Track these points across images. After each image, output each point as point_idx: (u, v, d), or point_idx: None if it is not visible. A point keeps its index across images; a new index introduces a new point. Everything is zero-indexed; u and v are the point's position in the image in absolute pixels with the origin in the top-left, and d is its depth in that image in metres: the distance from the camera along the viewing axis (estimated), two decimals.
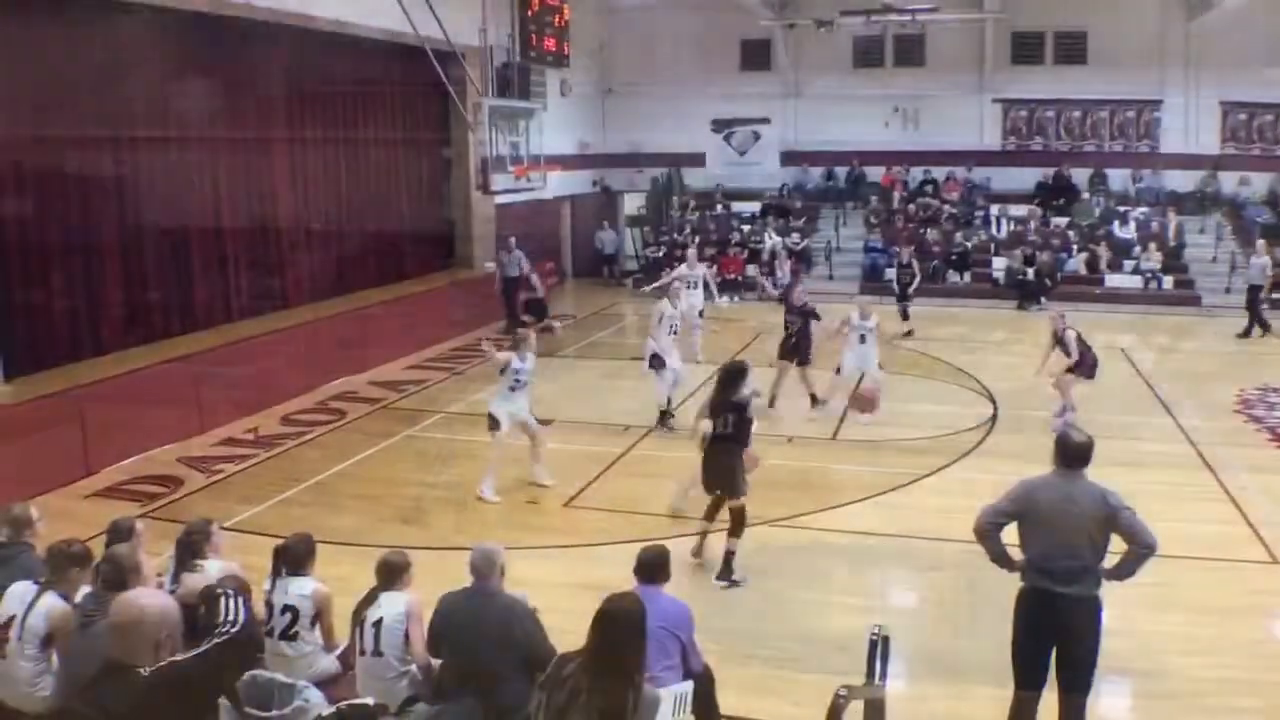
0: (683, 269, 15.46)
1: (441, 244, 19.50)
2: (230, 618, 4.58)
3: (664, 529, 8.35)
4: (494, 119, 15.85)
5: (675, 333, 11.91)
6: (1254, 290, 17.57)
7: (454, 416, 12.52)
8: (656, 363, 11.66)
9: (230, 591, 4.75)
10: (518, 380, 9.42)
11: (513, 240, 17.84)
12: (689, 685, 4.75)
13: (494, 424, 9.39)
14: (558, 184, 21.59)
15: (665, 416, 11.69)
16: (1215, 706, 6.01)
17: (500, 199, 18.66)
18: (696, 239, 21.67)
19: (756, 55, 24.21)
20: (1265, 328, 17.40)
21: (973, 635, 6.57)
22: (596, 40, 24.09)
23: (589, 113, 24.51)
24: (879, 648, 4.95)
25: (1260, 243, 18.58)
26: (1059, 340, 11.75)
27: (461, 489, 9.78)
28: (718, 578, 7.59)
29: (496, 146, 15.91)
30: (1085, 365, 11.68)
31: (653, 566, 5.03)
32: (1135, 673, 6.32)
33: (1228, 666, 6.45)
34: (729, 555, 7.60)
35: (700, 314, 15.28)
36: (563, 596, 6.01)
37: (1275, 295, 17.82)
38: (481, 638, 4.65)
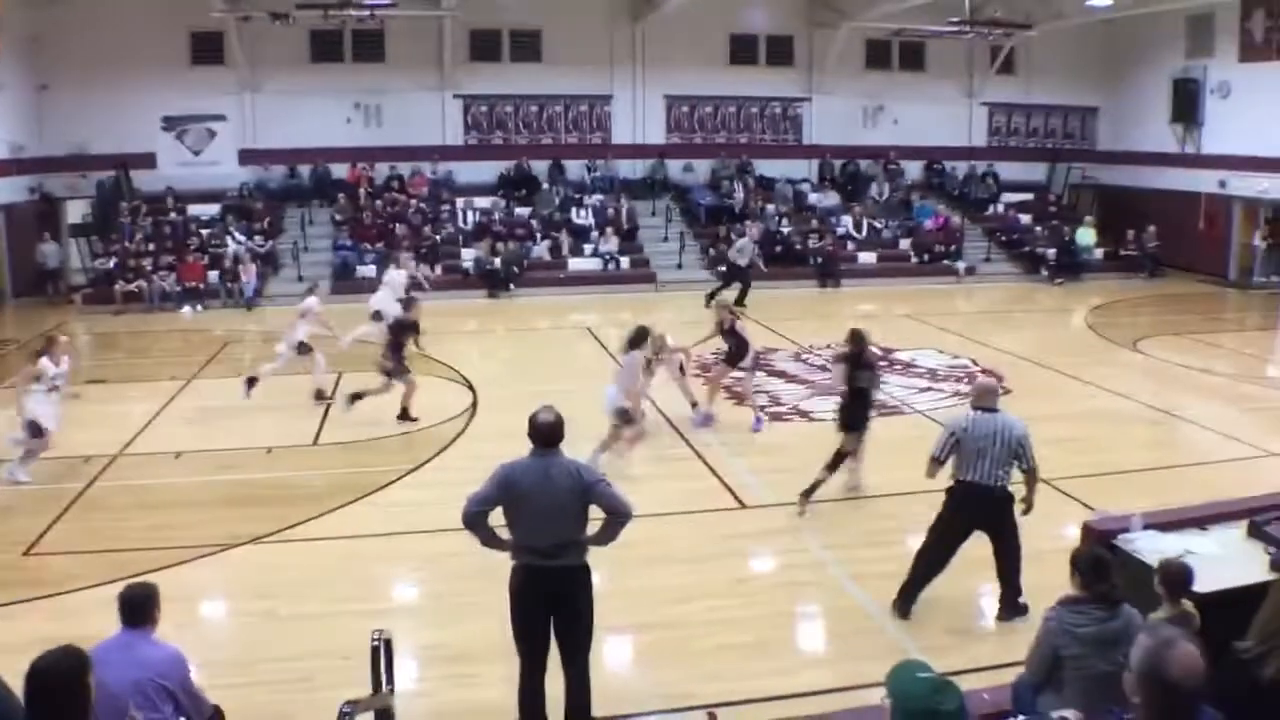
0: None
1: None
2: None
3: (147, 563, 8.67)
4: None
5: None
6: (736, 269, 23.81)
7: None
8: (304, 349, 14.90)
9: None
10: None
11: None
12: None
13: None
14: None
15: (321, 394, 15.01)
16: (712, 646, 7.72)
17: None
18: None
19: (208, 48, 26.66)
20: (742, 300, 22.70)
21: (475, 621, 7.71)
22: (28, 30, 25.10)
23: (22, 112, 25.13)
24: (381, 652, 5.64)
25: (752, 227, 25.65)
26: (728, 331, 13.91)
27: None
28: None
29: None
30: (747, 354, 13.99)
31: (136, 607, 5.14)
32: (634, 627, 7.91)
33: (718, 608, 8.31)
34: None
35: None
36: (33, 657, 6.32)
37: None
38: None
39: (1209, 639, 4.14)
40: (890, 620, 8.29)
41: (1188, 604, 5.70)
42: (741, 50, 30.08)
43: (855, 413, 10.82)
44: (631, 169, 29.62)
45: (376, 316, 17.28)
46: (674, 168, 29.74)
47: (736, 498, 11.15)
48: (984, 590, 8.79)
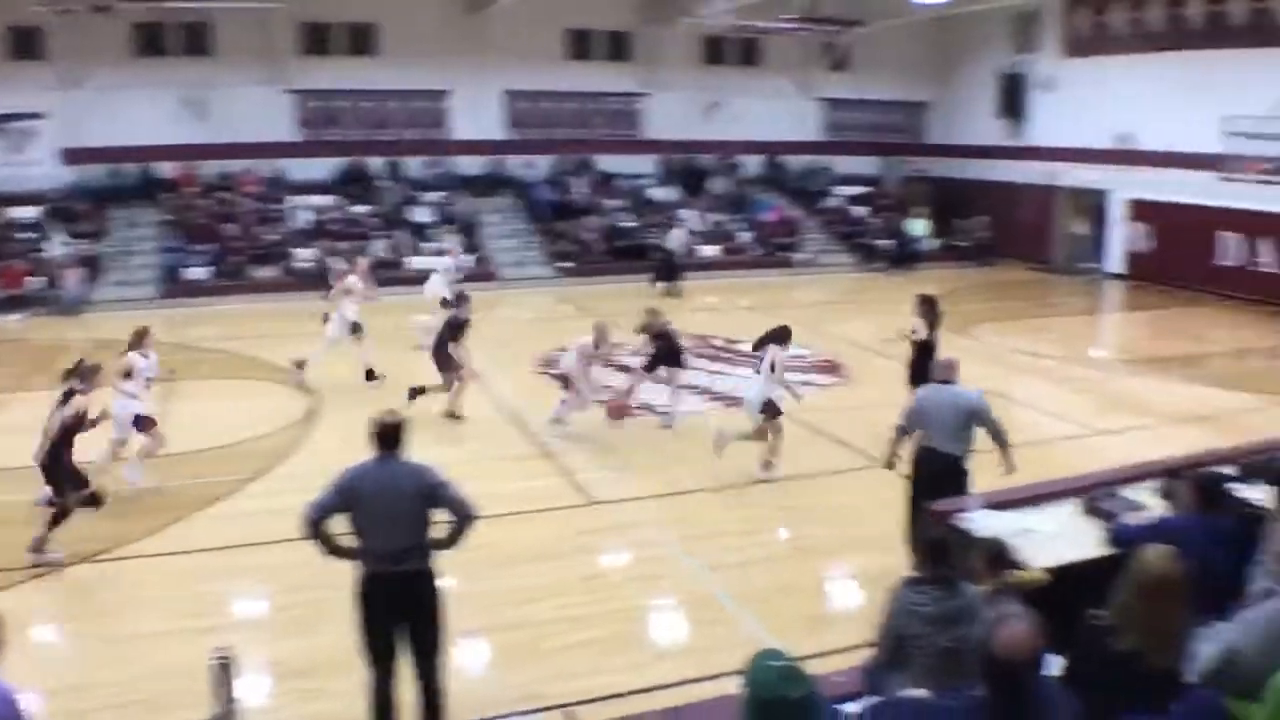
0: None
1: None
2: None
3: None
4: None
5: None
6: (668, 254, 25.43)
7: None
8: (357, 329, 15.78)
9: None
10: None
11: None
12: None
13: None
14: None
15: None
16: (565, 644, 7.73)
17: None
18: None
19: (26, 43, 25.32)
20: (677, 292, 24.57)
21: (323, 632, 7.56)
22: None
23: None
24: (223, 671, 5.49)
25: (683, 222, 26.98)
26: (657, 335, 13.74)
27: None
28: None
29: None
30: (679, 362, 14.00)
31: None
32: (485, 630, 7.89)
33: (569, 606, 8.33)
34: None
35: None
36: None
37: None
38: None
39: (1051, 611, 4.23)
40: (744, 609, 8.38)
41: (1027, 574, 5.98)
42: (580, 46, 30.11)
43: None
44: (471, 165, 29.25)
45: (445, 304, 17.41)
46: (514, 164, 29.53)
47: (584, 494, 11.14)
48: (835, 575, 9.13)
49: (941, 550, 5.32)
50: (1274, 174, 22.73)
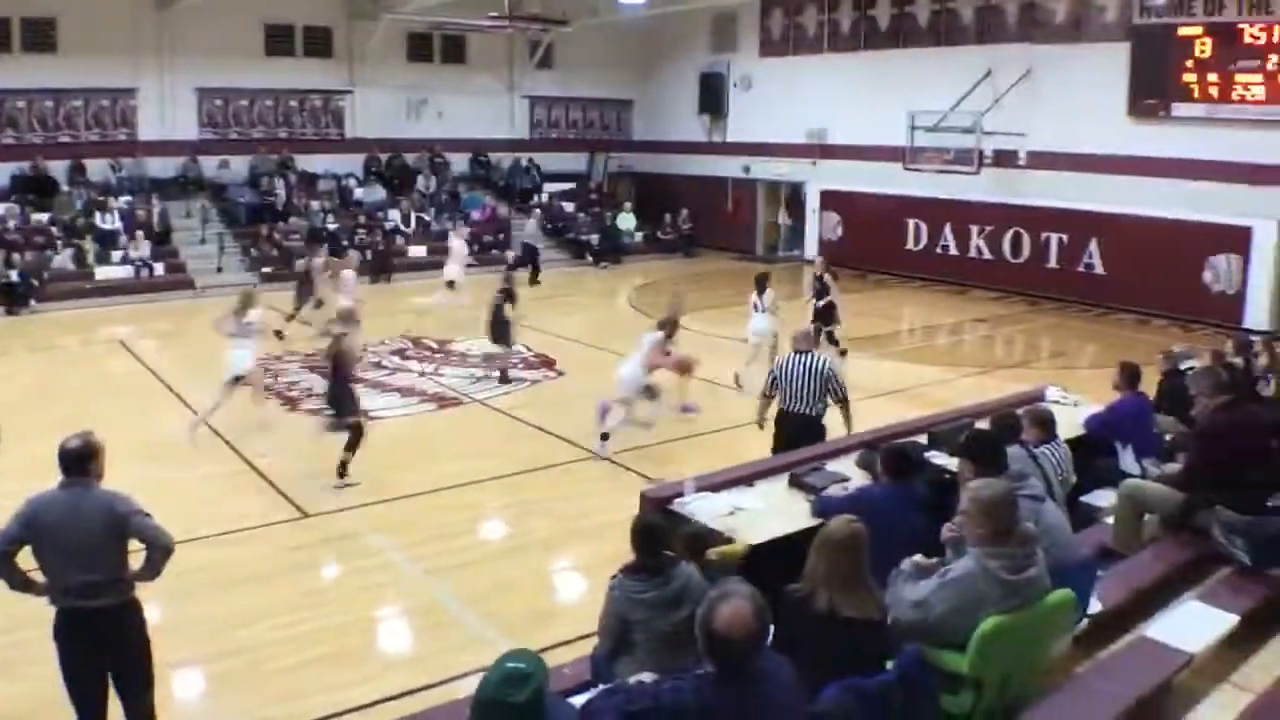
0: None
1: None
2: None
3: None
4: None
5: None
6: (529, 248, 26.55)
7: None
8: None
9: None
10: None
11: None
12: None
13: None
14: None
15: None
16: (288, 664, 7.48)
17: None
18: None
19: None
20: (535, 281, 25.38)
21: (25, 676, 6.95)
22: None
23: None
24: None
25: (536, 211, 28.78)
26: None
27: None
28: None
29: None
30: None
31: None
32: (201, 658, 7.55)
33: (290, 624, 8.05)
34: None
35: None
36: None
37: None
38: None
39: (765, 584, 4.37)
40: (469, 610, 8.45)
41: (728, 549, 6.49)
42: (279, 41, 28.94)
43: None
44: (162, 168, 27.67)
45: (450, 285, 20.49)
46: (209, 165, 28.17)
47: (298, 507, 10.72)
48: (559, 567, 9.43)
49: (654, 536, 5.43)
50: (953, 164, 24.37)
